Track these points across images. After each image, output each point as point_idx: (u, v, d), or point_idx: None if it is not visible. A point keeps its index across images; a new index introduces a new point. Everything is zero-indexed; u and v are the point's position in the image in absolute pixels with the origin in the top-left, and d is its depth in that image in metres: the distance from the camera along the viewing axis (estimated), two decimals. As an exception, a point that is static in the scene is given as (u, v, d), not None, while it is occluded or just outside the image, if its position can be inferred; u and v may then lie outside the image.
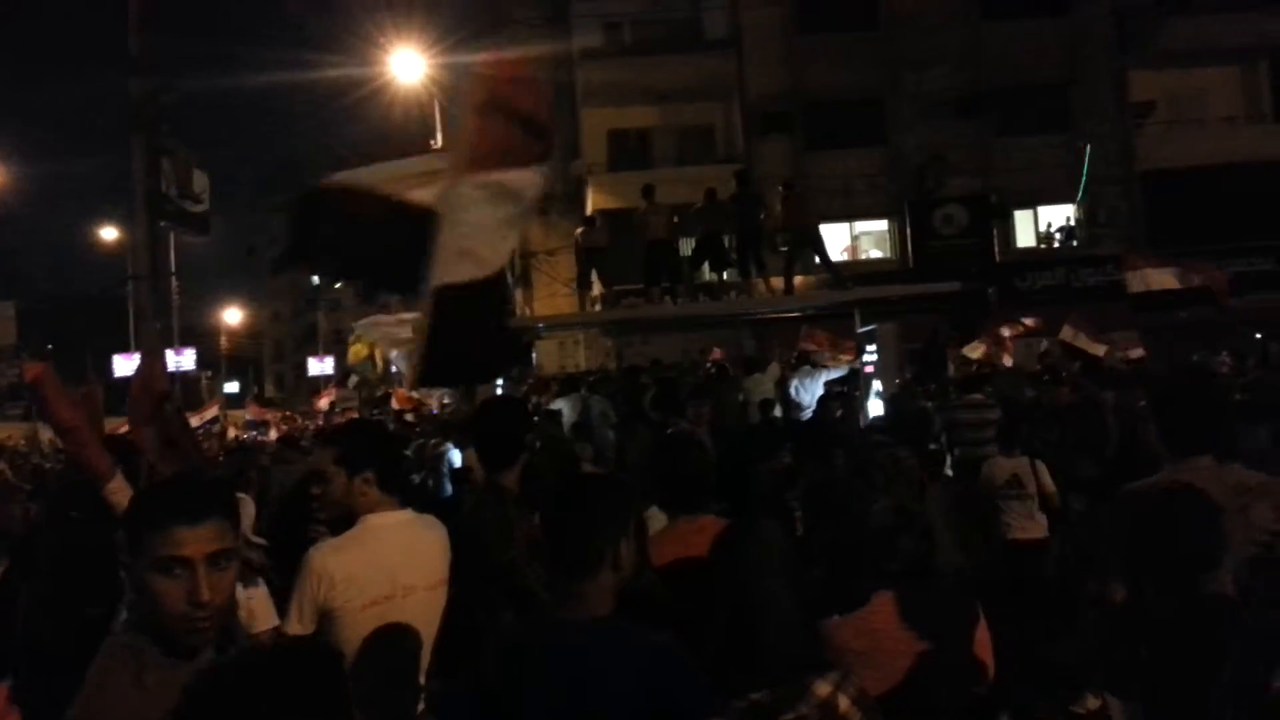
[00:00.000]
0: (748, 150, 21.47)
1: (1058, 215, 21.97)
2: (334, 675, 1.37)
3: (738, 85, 21.95)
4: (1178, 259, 11.73)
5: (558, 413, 9.46)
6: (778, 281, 13.53)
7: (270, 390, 57.05)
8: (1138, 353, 12.78)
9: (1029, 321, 15.17)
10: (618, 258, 14.55)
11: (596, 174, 20.98)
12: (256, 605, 3.63)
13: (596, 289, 13.73)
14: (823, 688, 1.82)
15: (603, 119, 22.09)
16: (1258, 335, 14.51)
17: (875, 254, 22.21)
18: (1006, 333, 14.46)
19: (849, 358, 12.15)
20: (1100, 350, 11.24)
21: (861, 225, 22.14)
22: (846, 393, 10.14)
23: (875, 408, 10.22)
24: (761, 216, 12.93)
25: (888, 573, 2.77)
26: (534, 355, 17.14)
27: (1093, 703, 2.13)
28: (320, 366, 45.36)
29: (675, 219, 13.00)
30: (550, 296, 17.29)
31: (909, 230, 21.42)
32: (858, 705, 1.82)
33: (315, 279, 42.65)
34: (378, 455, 2.96)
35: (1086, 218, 21.42)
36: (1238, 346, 13.50)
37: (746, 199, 12.84)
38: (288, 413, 24.74)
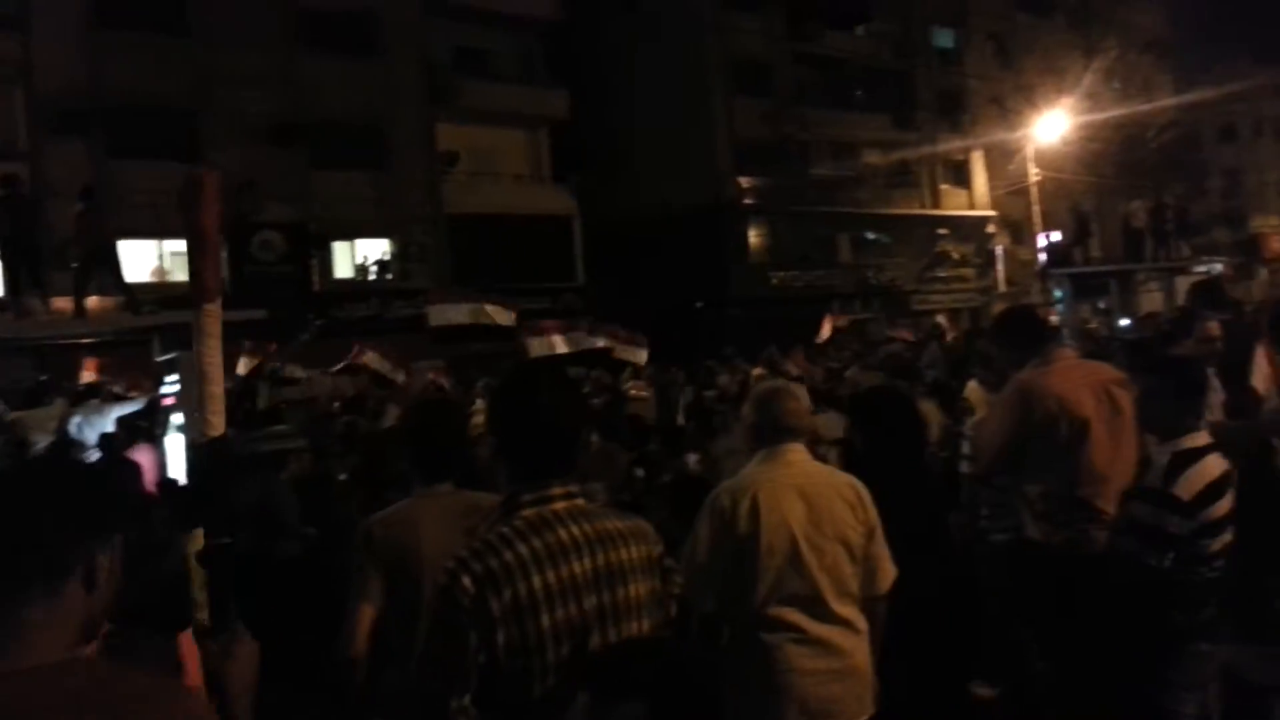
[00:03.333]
0: (33, 148, 18.63)
1: (374, 249, 23.11)
2: None
3: (23, 73, 18.91)
4: (480, 295, 13.12)
5: None
6: (63, 302, 12.00)
7: None
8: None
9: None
10: None
11: None
12: None
13: None
14: None
15: None
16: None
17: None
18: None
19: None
20: (400, 377, 12.05)
21: (172, 244, 20.59)
22: (145, 428, 9.36)
23: (178, 443, 9.56)
24: (36, 225, 11.35)
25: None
26: None
27: None
28: None
29: None
30: None
31: (226, 254, 20.55)
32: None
33: None
34: None
35: (399, 253, 22.90)
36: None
37: (18, 204, 11.17)
38: None
